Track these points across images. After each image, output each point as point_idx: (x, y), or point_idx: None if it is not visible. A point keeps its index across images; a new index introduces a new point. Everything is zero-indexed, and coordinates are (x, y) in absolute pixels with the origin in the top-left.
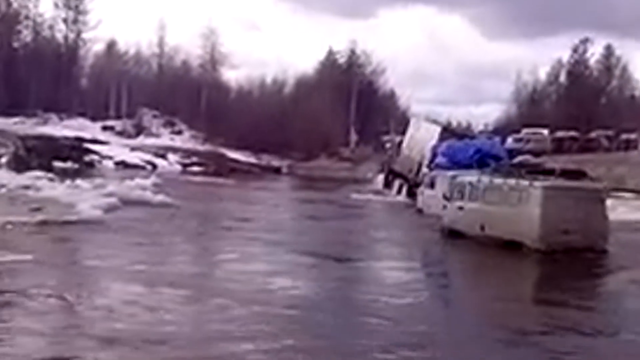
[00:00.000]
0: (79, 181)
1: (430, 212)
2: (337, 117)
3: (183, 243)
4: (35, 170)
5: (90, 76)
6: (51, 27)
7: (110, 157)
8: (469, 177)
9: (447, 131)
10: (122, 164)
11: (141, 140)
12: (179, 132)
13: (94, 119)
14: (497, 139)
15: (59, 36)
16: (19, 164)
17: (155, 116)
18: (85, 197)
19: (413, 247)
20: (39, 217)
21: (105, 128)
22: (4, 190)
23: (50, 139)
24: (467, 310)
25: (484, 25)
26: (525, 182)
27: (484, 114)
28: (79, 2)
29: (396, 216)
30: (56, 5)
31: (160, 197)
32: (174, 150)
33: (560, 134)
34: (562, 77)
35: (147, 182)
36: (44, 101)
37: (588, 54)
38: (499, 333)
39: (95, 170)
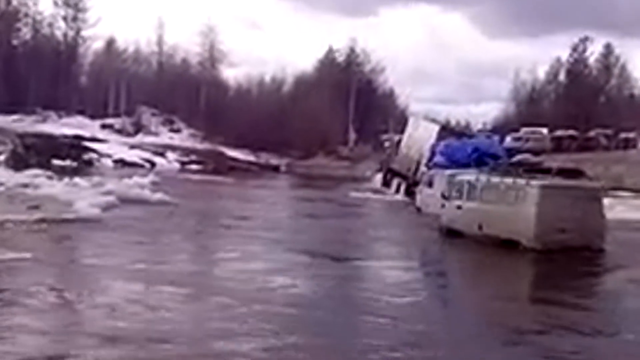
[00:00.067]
0: (77, 179)
1: (428, 211)
2: (336, 116)
3: (182, 241)
4: (33, 168)
5: (89, 74)
6: (50, 25)
7: (108, 156)
8: (467, 176)
9: (446, 130)
10: (121, 162)
11: (140, 138)
12: (178, 131)
13: (93, 117)
14: (495, 137)
15: (58, 34)
16: (17, 162)
17: (154, 114)
18: (83, 195)
19: (411, 246)
20: (38, 215)
21: (104, 126)
22: (2, 188)
23: (49, 137)
24: (466, 310)
25: (484, 24)
26: (522, 181)
27: (484, 112)
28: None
29: (394, 215)
30: (55, 3)
31: (158, 196)
32: (173, 148)
33: (559, 132)
34: (562, 76)
35: (146, 180)
36: (43, 99)
37: (587, 53)
38: (498, 332)
39: (93, 169)
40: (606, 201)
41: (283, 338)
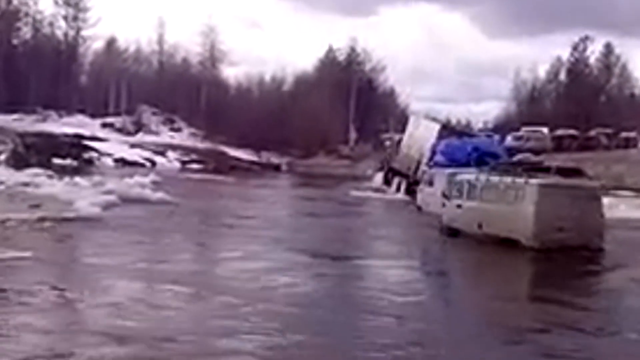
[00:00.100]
0: (77, 178)
1: (429, 210)
2: (336, 115)
3: (183, 241)
4: (34, 168)
5: (89, 73)
6: (51, 24)
7: (109, 155)
8: (468, 175)
9: (446, 129)
10: (122, 162)
11: (140, 137)
12: (179, 130)
13: (93, 116)
14: (496, 137)
15: (59, 33)
16: (18, 161)
17: (154, 113)
18: (84, 195)
19: (412, 245)
20: (38, 214)
21: (104, 125)
22: (2, 187)
23: (49, 136)
24: (467, 309)
25: (484, 23)
26: (521, 180)
27: (484, 111)
28: None
29: (395, 214)
30: (56, 3)
31: (159, 195)
32: (174, 147)
33: (559, 132)
34: (562, 76)
35: (146, 179)
36: (44, 98)
37: (588, 52)
38: (499, 331)
39: (94, 168)
40: (607, 200)
41: (287, 337)
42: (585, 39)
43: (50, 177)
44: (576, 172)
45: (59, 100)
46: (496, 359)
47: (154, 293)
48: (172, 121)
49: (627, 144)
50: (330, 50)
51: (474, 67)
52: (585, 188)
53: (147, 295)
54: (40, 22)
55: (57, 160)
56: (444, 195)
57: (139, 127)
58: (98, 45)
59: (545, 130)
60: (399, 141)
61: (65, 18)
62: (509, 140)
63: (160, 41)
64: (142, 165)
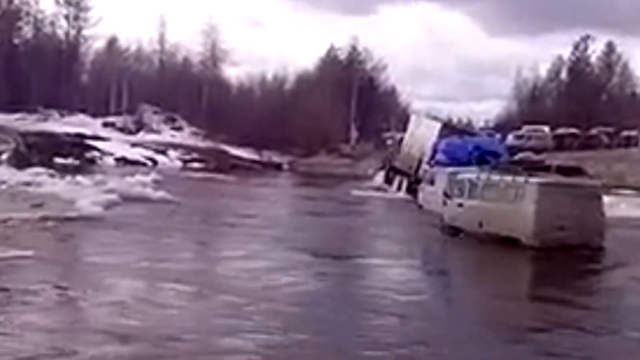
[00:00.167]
0: (79, 177)
1: (430, 209)
2: (337, 114)
3: (185, 240)
4: (35, 167)
5: (91, 73)
6: (52, 24)
7: (110, 154)
8: (469, 174)
9: (447, 128)
10: (123, 161)
11: (142, 136)
12: (180, 129)
13: (94, 115)
14: (497, 136)
15: (60, 33)
16: (19, 161)
17: (155, 112)
18: (85, 194)
19: (413, 244)
20: (40, 213)
21: (105, 124)
22: (4, 186)
23: (51, 135)
24: (468, 308)
25: (485, 22)
26: (521, 179)
27: (485, 110)
28: None
29: (396, 213)
30: (57, 2)
31: (160, 194)
32: (175, 146)
33: (560, 131)
34: (563, 74)
35: (148, 178)
36: (45, 98)
37: (589, 51)
38: (500, 330)
39: (95, 167)
40: (607, 199)
41: (289, 335)
42: (586, 37)
43: (51, 176)
44: (577, 171)
45: (61, 99)
46: (498, 358)
47: (157, 292)
48: (173, 120)
49: (628, 142)
50: (332, 49)
51: (475, 66)
52: (586, 187)
53: (149, 294)
54: (42, 21)
55: (58, 160)
56: (446, 194)
57: (140, 126)
58: (99, 44)
59: (546, 129)
60: (401, 140)
61: (66, 17)
62: (510, 139)
63: (162, 40)
64: (144, 164)
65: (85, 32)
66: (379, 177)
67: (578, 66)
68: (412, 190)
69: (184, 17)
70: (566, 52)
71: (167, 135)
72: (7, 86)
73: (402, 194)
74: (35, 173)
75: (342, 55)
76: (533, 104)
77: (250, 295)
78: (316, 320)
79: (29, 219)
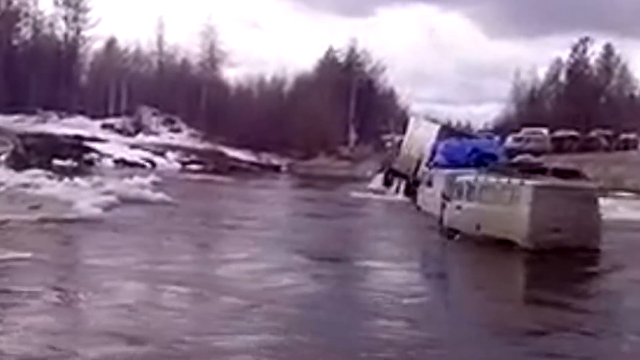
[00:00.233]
0: (77, 179)
1: (428, 211)
2: (336, 116)
3: (184, 242)
4: (34, 169)
5: (89, 74)
6: (51, 25)
7: (109, 155)
8: (467, 176)
9: (446, 129)
10: (121, 162)
11: (140, 138)
12: (178, 131)
13: (93, 117)
14: (496, 138)
15: (59, 34)
16: (18, 162)
17: (154, 114)
18: (84, 195)
19: (412, 246)
20: (38, 215)
21: (104, 126)
22: (2, 188)
23: (49, 137)
24: (468, 311)
25: (484, 24)
26: (516, 181)
27: (484, 113)
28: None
29: (395, 215)
30: (56, 3)
31: (159, 195)
32: (173, 148)
33: (559, 133)
34: (562, 77)
35: (146, 180)
36: (44, 99)
37: (588, 54)
38: (500, 333)
39: (94, 169)
40: (606, 202)
41: (290, 337)
42: (585, 40)
43: (50, 178)
44: (573, 174)
45: (59, 101)
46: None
47: (158, 294)
48: (172, 122)
49: (627, 145)
50: (330, 51)
51: (474, 68)
52: (582, 189)
53: (151, 296)
54: (40, 22)
55: (57, 161)
56: (444, 197)
57: (139, 128)
58: (98, 46)
59: (545, 131)
60: (400, 142)
61: (65, 19)
62: (509, 141)
63: (160, 42)
64: (142, 166)
65: (84, 33)
66: (378, 179)
67: (577, 68)
68: (410, 192)
69: (182, 18)
70: (565, 55)
71: (166, 136)
72: (6, 87)
73: (400, 196)
74: (34, 175)
75: (341, 57)
76: (532, 106)
77: (252, 297)
78: (317, 322)
79: (27, 220)
